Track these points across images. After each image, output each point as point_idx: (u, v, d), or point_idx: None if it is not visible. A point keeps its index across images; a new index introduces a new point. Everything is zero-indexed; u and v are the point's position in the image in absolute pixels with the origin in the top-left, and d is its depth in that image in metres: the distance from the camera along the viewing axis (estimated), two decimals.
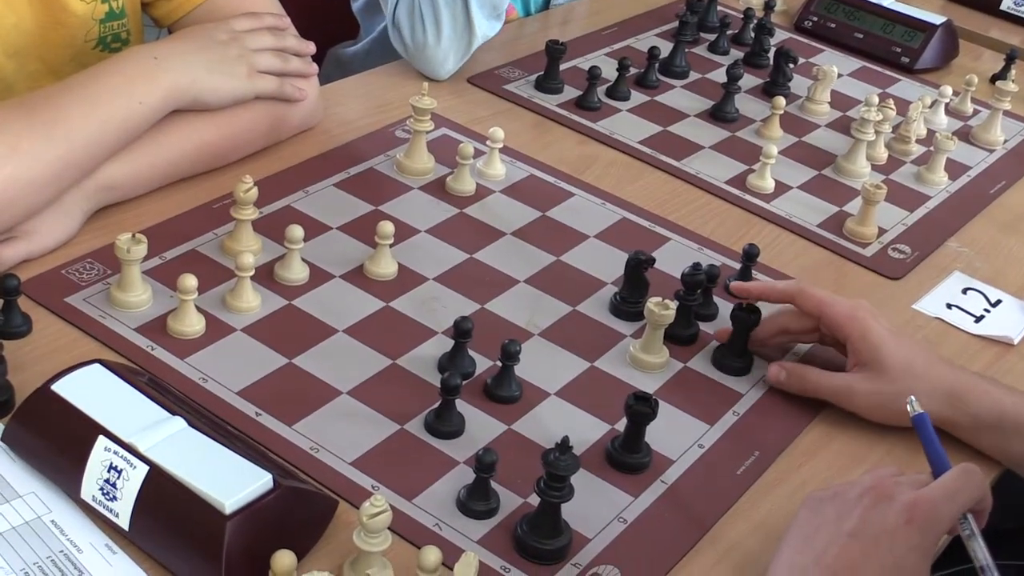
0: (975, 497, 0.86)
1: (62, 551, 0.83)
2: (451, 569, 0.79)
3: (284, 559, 0.77)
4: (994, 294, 1.28)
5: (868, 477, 0.89)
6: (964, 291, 1.28)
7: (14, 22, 1.22)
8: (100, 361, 0.92)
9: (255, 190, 1.09)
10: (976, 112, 1.66)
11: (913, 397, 0.96)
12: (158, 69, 1.16)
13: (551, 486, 0.86)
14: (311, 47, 1.31)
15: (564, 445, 0.86)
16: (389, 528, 0.80)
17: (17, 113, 1.07)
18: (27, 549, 0.82)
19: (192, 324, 1.03)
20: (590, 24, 1.73)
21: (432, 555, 0.79)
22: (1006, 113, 1.61)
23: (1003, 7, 2.00)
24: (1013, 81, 1.65)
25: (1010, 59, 1.73)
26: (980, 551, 0.85)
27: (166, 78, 1.16)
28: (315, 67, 1.32)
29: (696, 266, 1.13)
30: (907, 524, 0.83)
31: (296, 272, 1.11)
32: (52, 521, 0.85)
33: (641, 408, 0.95)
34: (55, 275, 1.07)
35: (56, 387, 0.88)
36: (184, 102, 1.18)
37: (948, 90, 1.62)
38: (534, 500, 0.89)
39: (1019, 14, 1.98)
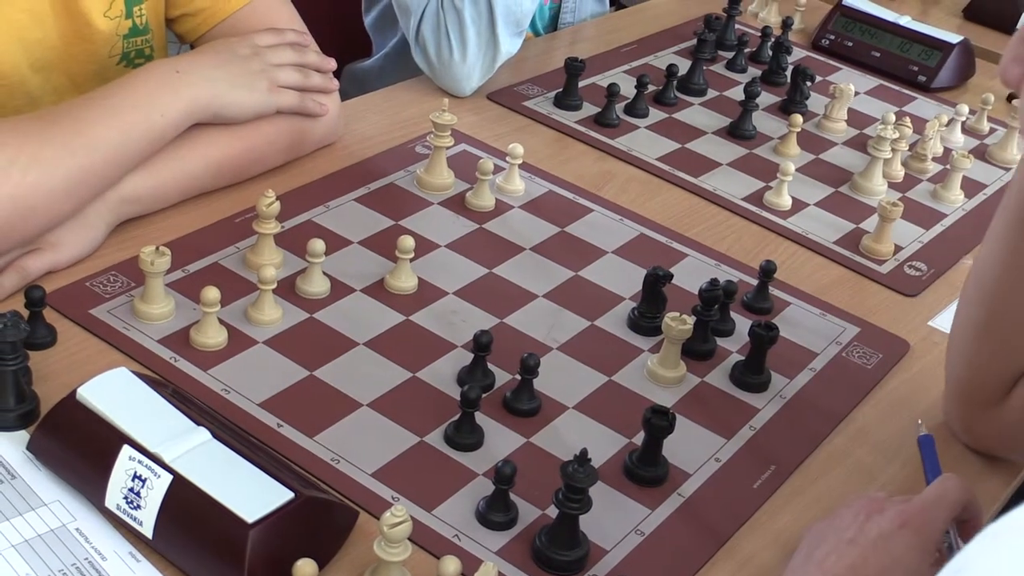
0: (961, 500, 0.86)
1: (87, 558, 0.83)
2: None
3: (306, 568, 0.78)
4: None
5: (859, 499, 0.90)
6: None
7: (40, 36, 1.22)
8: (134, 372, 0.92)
9: (277, 204, 1.09)
10: (992, 131, 1.66)
11: (920, 420, 0.96)
12: (180, 82, 1.16)
13: (569, 498, 0.86)
14: (332, 63, 1.32)
15: (582, 457, 0.86)
16: (409, 538, 0.80)
17: (40, 124, 1.07)
18: (52, 556, 0.83)
19: (215, 336, 1.03)
20: (608, 42, 1.73)
21: (452, 565, 0.79)
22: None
23: (1019, 26, 1.99)
24: None
25: None
26: (953, 539, 0.85)
27: (188, 91, 1.16)
28: (336, 83, 1.32)
29: (714, 282, 1.12)
30: (901, 527, 0.84)
31: (317, 286, 1.11)
32: (77, 529, 0.85)
33: (659, 422, 0.96)
34: (80, 287, 1.08)
35: (82, 390, 0.88)
36: (206, 116, 1.18)
37: (964, 108, 1.62)
38: (552, 512, 0.89)
39: None
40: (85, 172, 1.08)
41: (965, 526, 0.88)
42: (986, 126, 1.66)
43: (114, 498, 0.84)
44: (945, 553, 0.85)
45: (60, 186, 1.06)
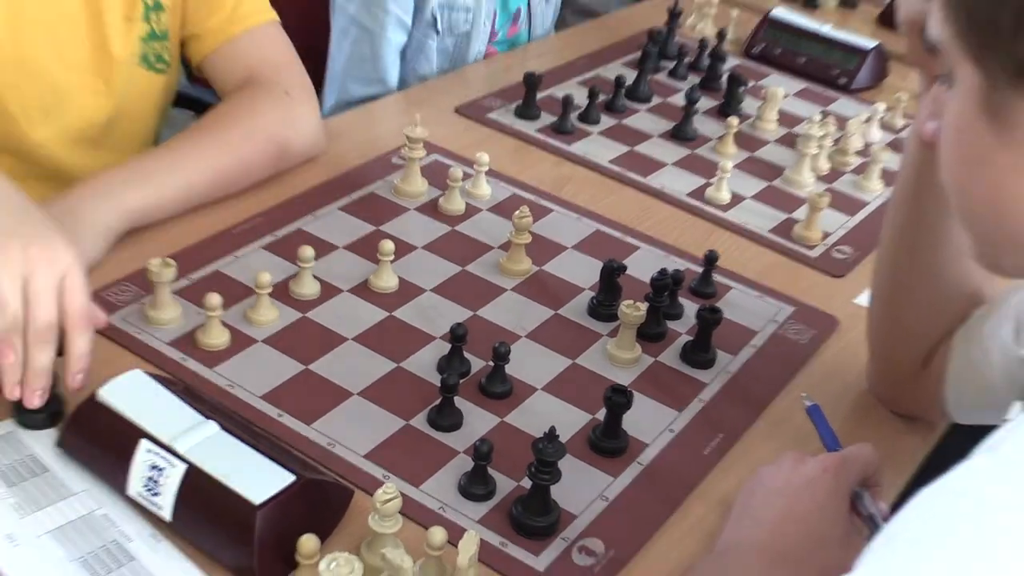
0: (873, 463, 0.88)
1: (114, 541, 0.83)
2: (455, 546, 0.79)
3: (309, 543, 0.78)
4: None
5: (782, 456, 0.91)
6: None
7: (70, 35, 1.21)
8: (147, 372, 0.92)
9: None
10: (906, 126, 1.65)
11: (804, 393, 0.97)
12: None
13: (541, 471, 0.87)
14: (41, 381, 0.90)
15: (551, 435, 0.87)
16: (400, 512, 0.81)
17: None
18: (83, 540, 0.83)
19: (218, 337, 1.03)
20: (562, 56, 1.73)
21: (438, 535, 0.80)
22: None
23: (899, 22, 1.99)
24: None
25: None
26: (868, 503, 0.86)
27: None
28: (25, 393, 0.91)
29: (663, 271, 1.13)
30: (823, 472, 0.86)
31: (308, 288, 1.11)
32: (104, 515, 0.85)
33: (618, 399, 0.96)
34: (95, 297, 1.03)
35: (102, 391, 0.88)
36: None
37: (881, 107, 1.63)
38: (527, 483, 0.89)
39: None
40: None
41: (871, 490, 0.89)
42: (900, 122, 1.66)
43: (135, 486, 0.85)
44: (858, 507, 0.86)
45: None
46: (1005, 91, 0.63)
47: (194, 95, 1.73)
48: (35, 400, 0.90)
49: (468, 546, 0.79)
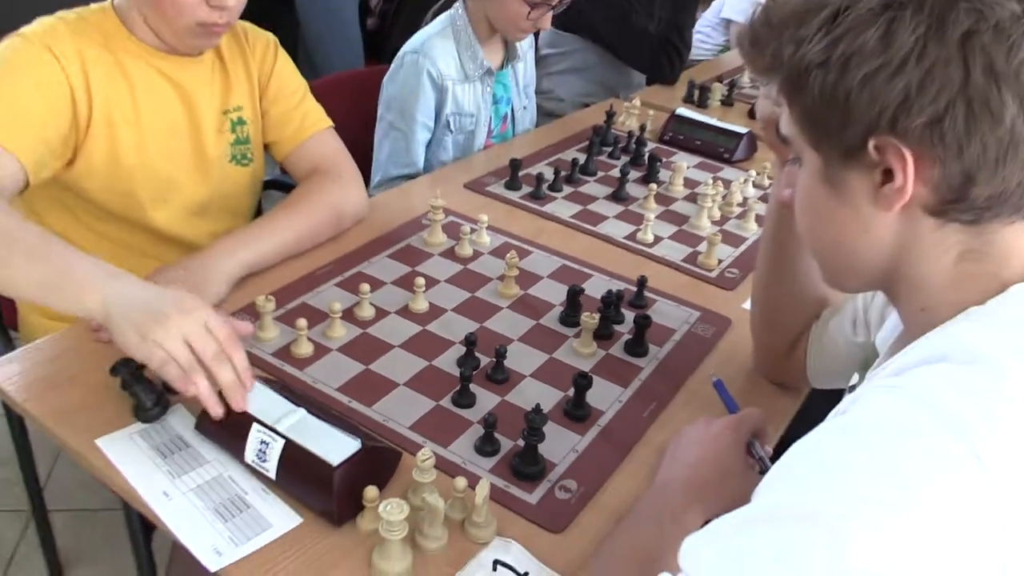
0: (760, 421, 0.86)
1: (236, 495, 0.83)
2: (473, 489, 0.79)
3: (371, 491, 0.78)
4: None
5: (697, 420, 0.90)
6: None
7: (176, 145, 1.19)
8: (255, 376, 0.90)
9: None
10: (771, 185, 1.60)
11: (713, 372, 0.95)
12: (97, 291, 0.84)
13: (531, 433, 0.86)
14: (248, 384, 0.86)
15: (537, 409, 0.87)
16: (434, 467, 0.80)
17: (23, 239, 0.89)
18: (214, 494, 0.82)
19: (306, 348, 1.02)
20: (536, 146, 1.72)
21: (461, 482, 0.80)
22: None
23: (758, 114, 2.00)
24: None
25: None
26: (759, 448, 0.85)
27: (96, 298, 0.84)
28: (244, 387, 0.86)
29: (609, 292, 1.12)
30: (726, 428, 0.85)
31: (367, 312, 1.10)
32: (228, 476, 0.85)
33: (582, 381, 0.96)
34: None
35: None
36: (97, 317, 0.84)
37: (753, 173, 1.62)
38: (521, 443, 0.89)
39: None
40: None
41: (760, 439, 0.87)
42: (767, 182, 1.66)
43: (250, 455, 0.84)
44: (752, 451, 0.85)
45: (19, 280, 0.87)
46: (838, 169, 0.63)
47: (284, 180, 1.70)
48: (241, 404, 0.83)
49: (482, 489, 0.78)
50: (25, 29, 1.07)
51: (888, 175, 0.60)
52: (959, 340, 0.58)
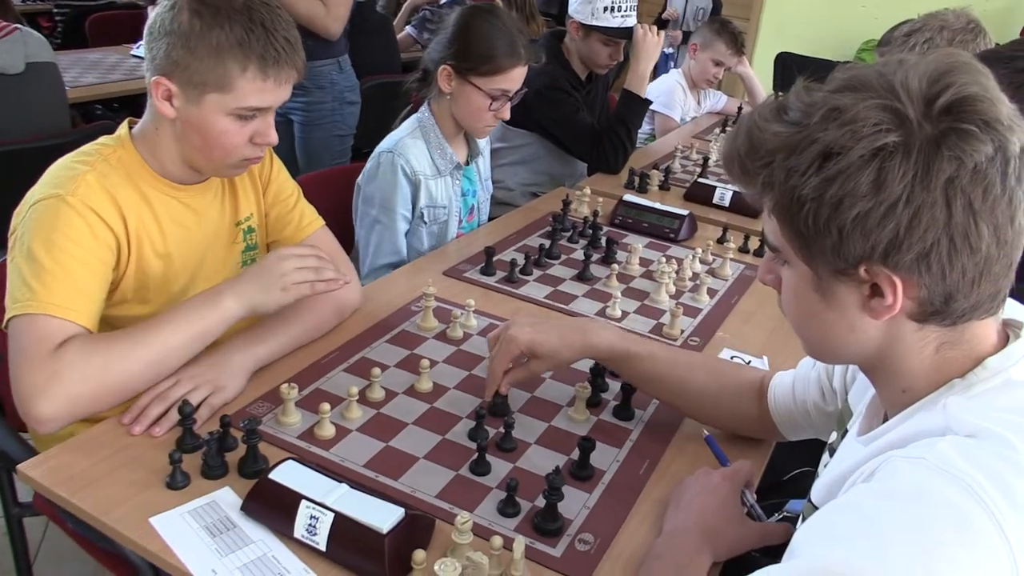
0: (751, 473, 0.95)
1: (279, 573, 0.85)
2: (510, 550, 0.84)
3: (419, 554, 0.83)
4: (747, 357, 1.35)
5: (697, 472, 0.97)
6: (731, 357, 1.35)
7: (200, 254, 1.24)
8: (292, 457, 0.95)
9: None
10: (714, 259, 1.75)
11: (705, 430, 1.03)
12: (217, 300, 1.09)
13: (552, 493, 0.92)
14: (342, 280, 1.18)
15: (557, 471, 0.93)
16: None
17: (124, 334, 1.04)
18: (260, 573, 0.85)
19: (328, 430, 1.06)
20: (501, 233, 1.78)
21: (497, 540, 0.85)
22: (731, 259, 1.72)
23: (714, 201, 2.09)
24: (730, 241, 1.79)
25: (724, 230, 1.86)
26: (749, 497, 0.93)
27: (223, 305, 1.09)
28: (343, 280, 1.18)
29: (596, 364, 1.18)
30: (723, 480, 0.92)
31: (378, 393, 1.15)
32: (272, 556, 0.87)
33: (587, 444, 1.02)
34: (242, 413, 1.09)
35: (271, 475, 0.91)
36: (244, 313, 1.11)
37: (699, 250, 1.71)
38: (540, 502, 0.94)
39: (723, 205, 2.08)
40: (158, 361, 1.05)
41: (749, 487, 0.96)
42: (711, 258, 1.75)
43: (299, 530, 0.87)
44: (743, 500, 0.92)
45: (139, 368, 1.03)
46: (829, 281, 0.67)
47: None
48: (336, 284, 1.15)
49: (519, 546, 0.85)
50: (60, 190, 1.07)
51: (876, 288, 0.64)
52: (955, 416, 0.63)
